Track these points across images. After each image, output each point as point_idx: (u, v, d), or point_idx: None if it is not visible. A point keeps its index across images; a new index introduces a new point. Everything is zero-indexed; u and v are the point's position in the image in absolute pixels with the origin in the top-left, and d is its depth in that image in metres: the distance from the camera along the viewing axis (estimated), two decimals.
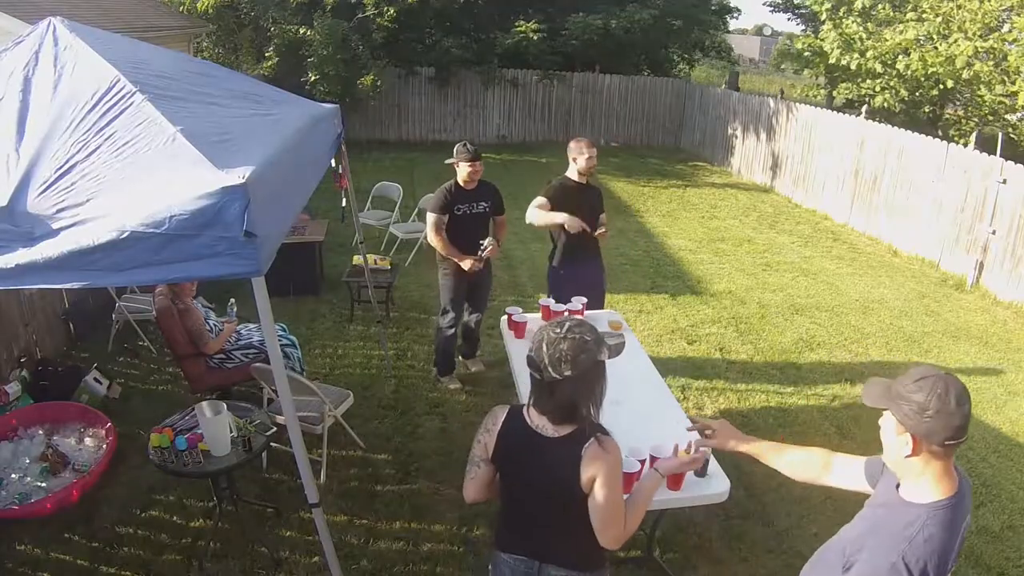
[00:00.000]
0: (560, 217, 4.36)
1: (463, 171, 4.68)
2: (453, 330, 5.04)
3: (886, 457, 1.78)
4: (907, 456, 1.66)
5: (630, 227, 9.59)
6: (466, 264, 4.72)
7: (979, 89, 10.25)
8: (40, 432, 4.13)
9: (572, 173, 4.59)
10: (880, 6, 11.44)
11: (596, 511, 1.98)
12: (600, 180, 9.07)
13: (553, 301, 4.41)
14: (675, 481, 2.81)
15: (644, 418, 3.20)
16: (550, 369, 1.91)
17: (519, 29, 13.23)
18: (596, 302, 4.72)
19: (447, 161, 4.85)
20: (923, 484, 1.68)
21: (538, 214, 4.45)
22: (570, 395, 1.94)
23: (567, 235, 4.48)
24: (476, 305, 5.20)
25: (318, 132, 3.51)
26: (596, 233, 4.57)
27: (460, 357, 5.44)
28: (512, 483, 2.12)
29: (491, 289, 5.39)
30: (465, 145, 4.71)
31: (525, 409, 2.07)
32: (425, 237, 7.46)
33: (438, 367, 5.22)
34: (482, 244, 4.76)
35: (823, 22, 12.13)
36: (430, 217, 4.74)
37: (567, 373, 1.91)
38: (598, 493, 1.96)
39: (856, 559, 1.70)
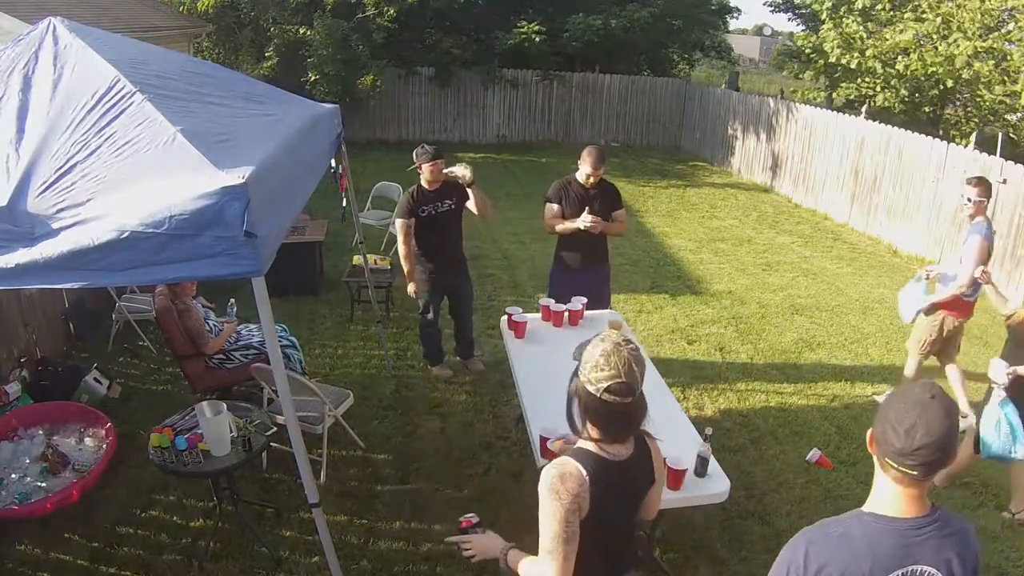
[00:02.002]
0: (571, 224, 4.55)
1: (426, 172, 4.72)
2: (433, 326, 5.16)
3: None
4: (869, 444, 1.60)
5: (630, 227, 9.51)
6: (410, 288, 4.93)
7: (979, 89, 10.24)
8: (40, 432, 4.13)
9: (579, 175, 4.61)
10: (880, 6, 11.45)
11: (653, 501, 2.10)
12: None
13: (553, 301, 4.42)
14: (675, 481, 2.81)
15: None
16: (637, 388, 1.84)
17: (521, 30, 13.22)
18: (596, 305, 4.69)
19: (410, 168, 4.89)
20: (873, 489, 1.58)
21: (551, 225, 4.66)
22: (644, 407, 1.90)
23: (563, 236, 4.64)
24: (456, 312, 5.25)
25: (318, 132, 3.52)
26: (586, 225, 4.48)
27: (459, 358, 5.46)
28: (599, 521, 1.89)
29: (472, 298, 5.37)
30: (424, 147, 4.76)
31: (595, 448, 1.88)
32: None
33: (426, 358, 5.38)
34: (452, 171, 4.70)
35: (823, 21, 12.13)
36: (398, 223, 4.79)
37: (641, 387, 1.86)
38: (658, 484, 2.07)
39: None
